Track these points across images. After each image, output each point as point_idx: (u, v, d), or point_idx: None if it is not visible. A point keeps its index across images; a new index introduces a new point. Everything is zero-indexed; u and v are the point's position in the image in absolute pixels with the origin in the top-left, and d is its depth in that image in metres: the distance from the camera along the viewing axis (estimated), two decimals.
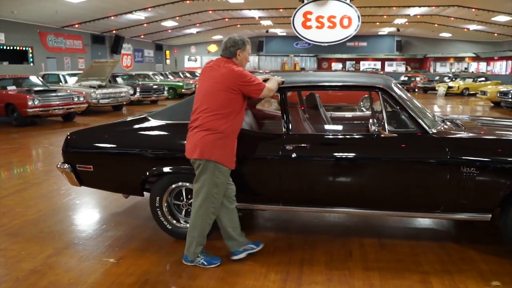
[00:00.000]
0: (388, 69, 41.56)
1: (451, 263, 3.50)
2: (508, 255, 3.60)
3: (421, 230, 4.30)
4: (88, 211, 4.84)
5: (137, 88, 17.53)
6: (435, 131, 3.59)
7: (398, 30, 32.84)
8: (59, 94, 12.32)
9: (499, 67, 37.43)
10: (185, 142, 3.38)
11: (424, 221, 4.46)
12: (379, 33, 36.16)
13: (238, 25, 30.03)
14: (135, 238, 4.02)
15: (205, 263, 3.45)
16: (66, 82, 15.33)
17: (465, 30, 28.08)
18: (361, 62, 42.09)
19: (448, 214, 3.58)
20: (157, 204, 3.86)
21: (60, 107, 12.08)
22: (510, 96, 16.15)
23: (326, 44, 12.33)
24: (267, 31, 34.52)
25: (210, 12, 23.96)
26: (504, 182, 3.36)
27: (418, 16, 25.25)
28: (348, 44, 33.59)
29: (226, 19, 26.99)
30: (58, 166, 4.14)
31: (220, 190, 3.35)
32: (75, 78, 15.35)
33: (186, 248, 3.47)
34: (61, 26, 22.60)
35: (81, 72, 16.18)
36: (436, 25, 27.81)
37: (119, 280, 3.25)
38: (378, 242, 3.89)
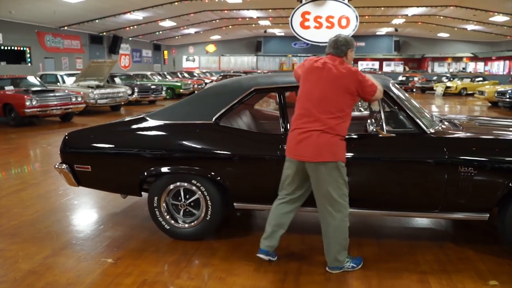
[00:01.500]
0: (386, 69, 41.60)
1: (449, 263, 3.51)
2: (505, 254, 3.61)
3: (419, 230, 4.31)
4: (86, 212, 4.84)
5: (135, 88, 17.52)
6: (433, 131, 3.59)
7: (396, 30, 32.90)
8: (57, 94, 12.30)
9: (497, 67, 37.52)
10: (295, 145, 3.18)
11: (422, 221, 4.46)
12: (377, 33, 36.21)
13: (237, 25, 30.04)
14: (133, 238, 4.02)
15: (355, 266, 3.36)
16: (64, 82, 15.31)
17: (463, 30, 28.15)
18: (359, 62, 42.09)
19: (446, 214, 3.58)
20: (155, 204, 3.86)
21: (58, 107, 12.06)
22: (507, 96, 16.19)
23: (324, 44, 12.35)
24: (265, 31, 34.55)
25: (208, 12, 23.97)
26: (502, 182, 3.37)
27: (416, 16, 25.28)
28: None
29: (224, 19, 26.99)
30: (56, 166, 4.13)
31: (347, 188, 3.25)
32: (73, 78, 15.34)
33: (333, 259, 3.28)
34: (59, 26, 22.58)
35: (79, 72, 16.16)
36: (434, 25, 27.86)
37: (117, 281, 3.24)
38: (376, 242, 3.89)
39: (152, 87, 18.62)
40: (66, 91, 13.16)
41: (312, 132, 3.12)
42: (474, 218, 3.55)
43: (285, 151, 3.31)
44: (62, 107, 12.19)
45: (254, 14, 25.28)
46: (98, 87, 14.71)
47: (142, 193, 4.03)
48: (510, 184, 3.35)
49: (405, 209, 3.65)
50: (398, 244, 3.86)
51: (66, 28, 23.05)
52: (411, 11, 23.77)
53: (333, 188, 3.16)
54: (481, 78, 26.70)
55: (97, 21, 22.23)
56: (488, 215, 3.50)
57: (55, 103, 11.97)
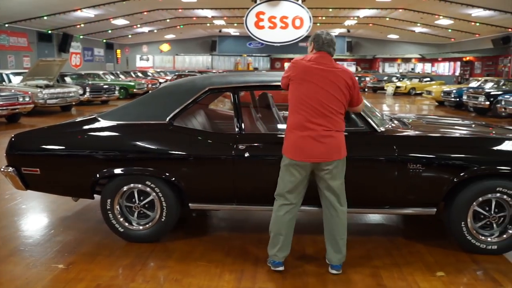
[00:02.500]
0: None
1: (400, 257, 3.63)
2: (451, 246, 3.78)
3: (371, 226, 4.44)
4: (35, 216, 4.66)
5: (87, 88, 17.05)
6: (383, 129, 3.71)
7: (348, 31, 33.62)
8: (2, 94, 11.73)
9: (443, 68, 39.17)
10: (314, 148, 3.10)
11: (374, 217, 4.60)
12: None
13: (191, 25, 29.79)
14: (86, 242, 3.91)
15: None
16: (10, 81, 14.65)
17: (411, 32, 29.15)
18: None
19: (396, 210, 3.71)
20: (108, 207, 3.78)
21: (4, 108, 11.52)
22: (452, 96, 16.94)
23: (278, 44, 12.47)
24: (220, 31, 34.44)
25: (162, 11, 23.62)
26: (448, 178, 3.53)
27: (367, 18, 25.96)
28: (300, 44, 33.82)
29: (179, 18, 26.70)
30: (2, 169, 3.96)
31: None
32: (20, 77, 14.71)
33: (342, 256, 3.31)
34: (4, 22, 21.57)
35: (26, 71, 15.52)
36: (384, 27, 28.70)
37: (69, 286, 3.14)
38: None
39: (105, 86, 18.19)
40: (13, 90, 12.59)
41: (329, 132, 3.12)
42: (423, 213, 3.70)
43: (294, 156, 3.14)
44: (8, 108, 11.66)
45: (208, 13, 25.15)
46: (47, 86, 14.19)
47: (95, 195, 3.93)
48: (455, 180, 3.51)
49: (358, 206, 3.74)
50: (351, 240, 3.94)
51: (12, 24, 22.07)
52: (362, 13, 24.39)
53: (342, 182, 3.26)
54: (428, 79, 27.79)
55: (45, 18, 21.42)
56: (436, 209, 3.65)
57: (1, 103, 11.44)
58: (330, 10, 22.62)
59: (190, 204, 3.80)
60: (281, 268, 3.34)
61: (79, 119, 4.33)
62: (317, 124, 3.10)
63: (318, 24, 27.20)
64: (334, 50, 3.27)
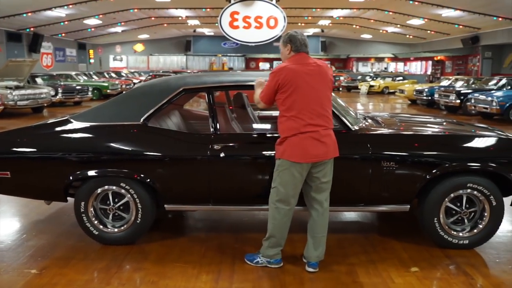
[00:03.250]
0: None
1: (375, 253, 3.69)
2: (424, 242, 3.86)
3: (346, 224, 4.49)
4: (5, 221, 4.55)
5: (59, 88, 16.73)
6: (357, 128, 3.76)
7: (322, 31, 33.89)
8: None
9: (415, 67, 39.90)
10: (317, 148, 3.14)
11: (349, 215, 4.65)
12: (305, 33, 36.83)
13: (165, 24, 29.53)
14: (59, 246, 3.83)
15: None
16: None
17: (384, 32, 29.61)
18: None
19: (371, 207, 3.77)
20: (82, 210, 3.71)
21: None
22: (425, 94, 17.28)
23: (253, 44, 12.49)
24: (194, 31, 34.25)
25: (136, 10, 23.35)
26: (420, 175, 3.60)
27: (341, 18, 26.24)
28: (275, 44, 33.69)
29: (152, 18, 26.43)
30: None
31: None
32: None
33: (321, 253, 3.36)
34: None
35: None
36: (357, 26, 29.06)
37: None
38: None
39: (78, 87, 17.88)
40: None
41: (328, 130, 3.21)
42: (397, 210, 3.77)
43: (299, 159, 3.13)
44: None
45: (183, 13, 24.98)
46: (17, 87, 13.86)
47: (68, 198, 3.86)
48: (428, 177, 3.58)
49: (333, 204, 3.77)
50: (327, 238, 3.97)
51: None
52: (336, 13, 24.64)
53: (331, 179, 3.32)
54: (401, 78, 28.28)
55: (15, 17, 20.90)
56: (409, 206, 3.72)
57: None
58: (308, 9, 22.79)
59: (165, 205, 3.77)
60: (282, 263, 3.42)
61: (51, 120, 4.25)
62: (317, 125, 3.14)
63: (292, 24, 27.35)
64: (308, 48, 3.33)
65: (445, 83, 18.80)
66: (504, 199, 3.67)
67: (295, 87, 3.12)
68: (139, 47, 37.23)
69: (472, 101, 13.53)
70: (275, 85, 3.16)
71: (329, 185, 3.33)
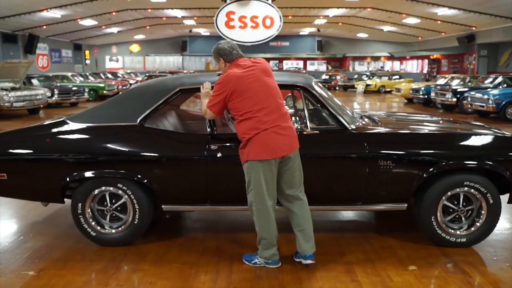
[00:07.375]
0: (310, 68, 42.71)
1: (373, 252, 3.69)
2: (422, 240, 3.87)
3: (344, 223, 4.50)
4: (3, 223, 4.53)
5: (55, 90, 16.64)
6: (354, 127, 3.76)
7: (318, 30, 33.97)
8: None
9: (411, 66, 39.94)
10: (285, 141, 3.20)
11: (347, 214, 4.66)
12: (301, 33, 37.15)
13: (161, 25, 29.51)
14: (57, 248, 3.83)
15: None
16: None
17: (380, 31, 29.69)
18: (284, 62, 42.87)
19: (368, 206, 3.78)
20: (79, 211, 3.70)
21: None
22: (421, 93, 17.30)
23: (249, 44, 12.46)
24: (190, 31, 34.25)
25: (131, 11, 23.32)
26: (417, 173, 3.61)
27: (337, 17, 26.29)
28: (271, 44, 34.19)
29: (148, 18, 26.42)
30: None
31: None
32: None
33: (313, 243, 3.39)
34: None
35: None
36: (353, 26, 29.13)
37: None
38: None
39: (74, 88, 17.79)
40: None
41: (287, 122, 3.25)
42: (394, 209, 3.78)
43: (264, 156, 3.15)
44: None
45: (178, 13, 24.97)
46: (13, 89, 13.81)
47: (65, 199, 3.85)
48: (425, 175, 3.59)
49: (331, 203, 3.80)
50: (325, 237, 3.99)
51: None
52: (331, 12, 24.68)
53: (302, 170, 3.35)
54: (397, 76, 28.26)
55: (10, 18, 20.83)
56: (406, 205, 3.73)
57: None
58: (304, 9, 22.82)
59: (163, 206, 3.77)
60: (280, 264, 3.41)
61: (47, 122, 4.24)
62: (275, 119, 3.18)
63: (288, 24, 27.39)
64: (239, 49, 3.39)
65: (441, 81, 18.83)
66: (501, 197, 3.69)
67: (244, 91, 3.18)
68: (135, 47, 37.19)
69: (469, 99, 13.56)
70: (225, 96, 3.23)
71: (301, 177, 3.35)
